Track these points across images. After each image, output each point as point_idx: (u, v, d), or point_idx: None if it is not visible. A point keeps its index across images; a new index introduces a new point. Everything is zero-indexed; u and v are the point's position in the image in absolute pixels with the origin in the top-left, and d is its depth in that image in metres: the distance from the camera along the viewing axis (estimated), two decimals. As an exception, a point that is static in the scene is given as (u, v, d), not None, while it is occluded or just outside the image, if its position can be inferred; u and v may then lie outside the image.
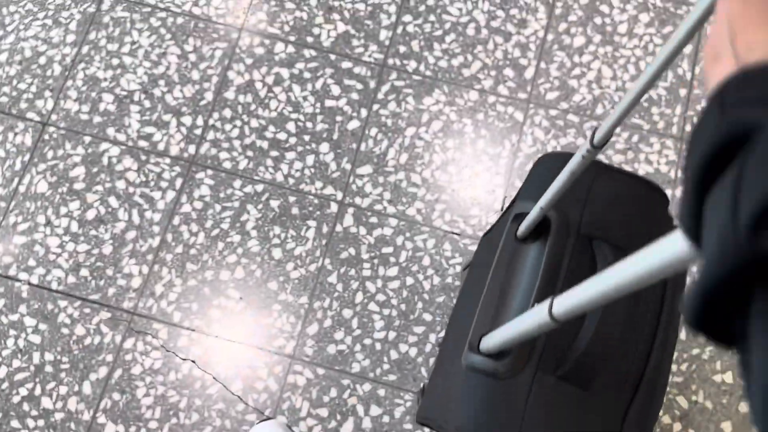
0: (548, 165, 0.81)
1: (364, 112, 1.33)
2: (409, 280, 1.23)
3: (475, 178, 1.29)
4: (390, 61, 1.36)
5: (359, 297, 1.22)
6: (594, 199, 0.76)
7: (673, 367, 1.18)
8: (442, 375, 0.81)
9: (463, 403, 0.70)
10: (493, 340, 0.66)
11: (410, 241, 1.25)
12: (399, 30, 1.38)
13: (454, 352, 0.78)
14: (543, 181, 0.76)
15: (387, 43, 1.37)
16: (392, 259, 1.24)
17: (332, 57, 1.36)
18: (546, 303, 0.48)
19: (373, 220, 1.26)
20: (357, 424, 1.15)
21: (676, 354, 1.19)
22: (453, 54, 1.36)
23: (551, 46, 1.37)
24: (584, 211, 0.76)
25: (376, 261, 1.24)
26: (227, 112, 1.33)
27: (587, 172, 0.76)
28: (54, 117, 1.32)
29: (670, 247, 0.30)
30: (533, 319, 0.51)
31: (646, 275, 0.33)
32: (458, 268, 1.23)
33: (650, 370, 0.71)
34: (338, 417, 1.15)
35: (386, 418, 1.15)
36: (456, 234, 1.25)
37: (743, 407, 1.17)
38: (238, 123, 1.32)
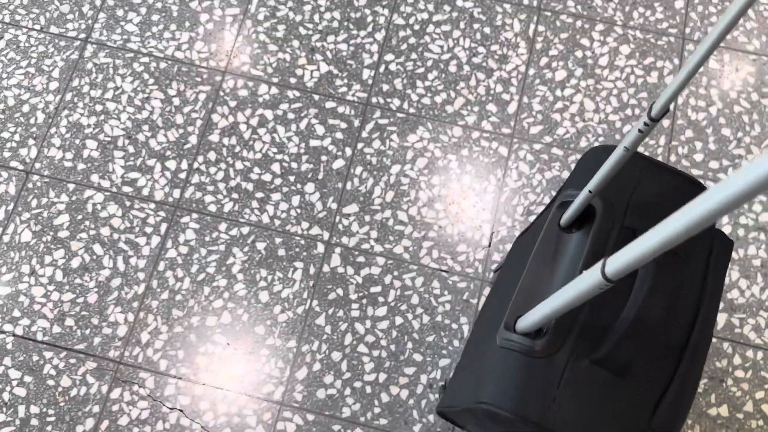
0: (596, 157, 0.81)
1: (348, 151, 1.33)
2: (399, 320, 1.22)
3: (461, 214, 1.29)
4: (373, 100, 1.36)
5: (348, 339, 1.20)
6: (639, 193, 0.76)
7: (667, 401, 1.17)
8: (470, 360, 0.81)
9: (494, 379, 0.69)
10: (531, 317, 0.64)
11: (398, 280, 1.24)
12: (381, 69, 1.39)
13: (484, 340, 0.77)
14: (589, 171, 0.77)
15: (370, 82, 1.38)
16: (381, 299, 1.23)
17: (316, 97, 1.37)
18: (598, 265, 0.48)
19: (361, 259, 1.25)
20: (349, 470, 1.13)
21: (669, 387, 1.17)
22: (436, 91, 1.37)
23: (533, 81, 1.37)
24: (629, 202, 0.76)
25: (364, 301, 1.23)
26: (212, 155, 1.32)
27: (634, 166, 0.77)
28: (38, 165, 1.31)
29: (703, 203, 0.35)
30: (585, 282, 0.50)
31: (688, 228, 0.37)
32: (447, 306, 1.23)
33: (683, 366, 0.70)
34: (329, 463, 1.13)
35: (378, 463, 1.13)
36: (444, 271, 1.25)
37: (740, 440, 1.15)
38: (223, 166, 1.32)
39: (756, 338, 1.21)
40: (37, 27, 1.41)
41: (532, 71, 1.38)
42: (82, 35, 1.40)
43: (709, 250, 0.77)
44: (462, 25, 1.42)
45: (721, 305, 1.23)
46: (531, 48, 1.40)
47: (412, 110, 1.36)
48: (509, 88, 1.37)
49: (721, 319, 1.22)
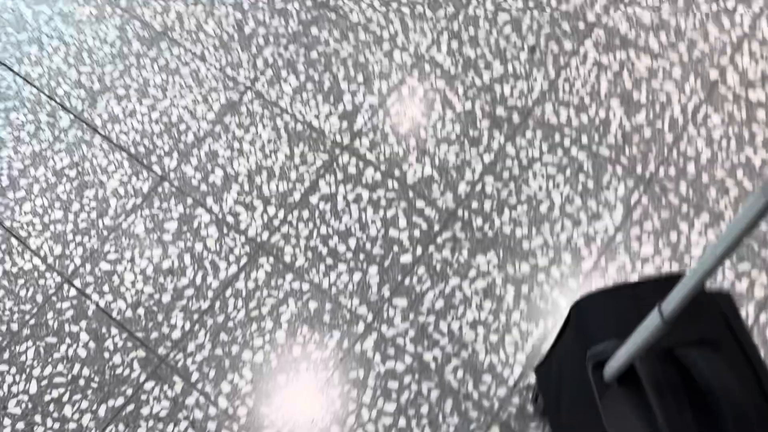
0: (594, 310, 0.85)
1: (419, 250, 1.42)
2: (402, 422, 1.27)
3: (498, 346, 1.32)
4: (459, 212, 1.45)
5: (351, 420, 1.28)
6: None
7: None
8: None
9: None
10: None
11: (416, 384, 1.29)
12: (478, 187, 1.47)
13: None
14: (597, 321, 0.82)
15: (463, 196, 1.47)
16: (393, 395, 1.29)
17: (410, 193, 1.48)
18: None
19: (391, 351, 1.33)
20: None
21: None
22: (519, 223, 1.42)
23: (617, 247, 1.38)
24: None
25: (378, 392, 1.30)
26: (305, 213, 1.49)
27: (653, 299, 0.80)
28: (172, 175, 1.56)
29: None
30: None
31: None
32: (452, 429, 1.25)
33: None
34: None
35: None
36: (462, 394, 1.28)
37: None
38: (311, 225, 1.47)
39: None
40: (217, 66, 1.69)
41: (619, 237, 1.39)
42: (248, 83, 1.66)
43: (724, 317, 0.76)
44: (568, 172, 1.47)
45: None
46: (627, 215, 1.41)
47: (490, 233, 1.42)
48: (591, 246, 1.39)
49: None
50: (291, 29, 1.72)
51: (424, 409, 1.27)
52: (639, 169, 1.45)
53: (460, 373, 1.30)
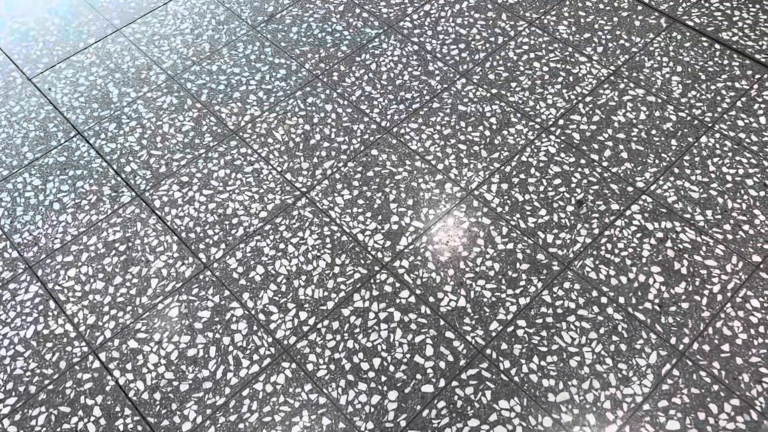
0: None
1: (442, 383, 1.41)
2: None
3: (510, 501, 1.26)
4: (488, 351, 1.45)
5: None
6: None
7: None
8: None
9: None
10: None
11: None
12: (509, 329, 1.48)
13: None
14: None
15: (493, 334, 1.47)
16: None
17: (441, 322, 1.49)
18: None
19: (398, 486, 1.29)
20: None
21: None
22: (547, 374, 1.41)
23: (643, 416, 1.35)
24: None
25: None
26: (335, 324, 1.50)
27: None
28: (215, 265, 1.61)
29: None
30: None
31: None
32: None
33: None
34: None
35: None
36: None
37: None
38: (338, 338, 1.48)
39: None
40: (279, 168, 1.79)
41: (646, 406, 1.36)
42: (304, 189, 1.74)
43: None
44: (602, 330, 1.46)
45: None
46: (657, 384, 1.38)
47: (516, 379, 1.41)
48: (617, 411, 1.36)
49: None
50: (353, 147, 1.82)
51: None
52: (673, 340, 1.44)
53: None
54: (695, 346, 1.44)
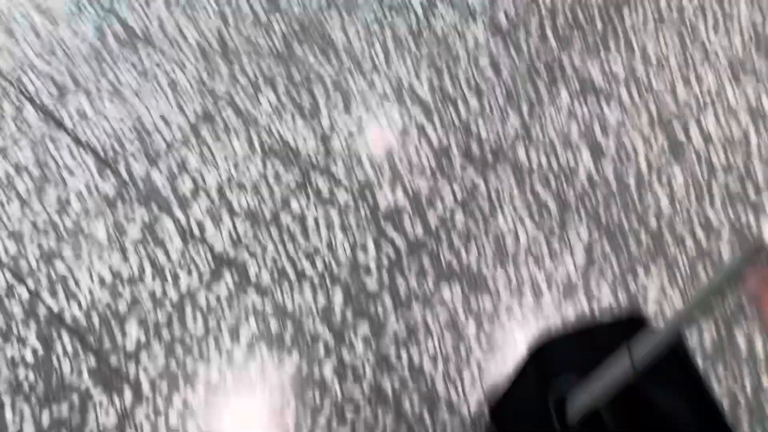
0: (554, 351, 0.86)
1: (386, 277, 1.43)
2: (356, 449, 1.26)
3: (456, 380, 1.33)
4: (428, 244, 1.47)
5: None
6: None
7: None
8: None
9: None
10: None
11: (372, 412, 1.29)
12: (447, 220, 1.50)
13: None
14: (558, 368, 0.82)
15: (433, 227, 1.49)
16: (349, 422, 1.28)
17: (380, 219, 1.50)
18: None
19: (349, 377, 1.32)
20: None
21: None
22: (485, 258, 1.45)
23: (577, 288, 1.42)
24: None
25: (334, 418, 1.29)
26: (274, 231, 1.48)
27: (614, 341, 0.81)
28: (139, 181, 1.53)
29: None
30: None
31: None
32: (405, 458, 1.25)
33: None
34: None
35: None
36: (417, 425, 1.28)
37: None
38: (278, 243, 1.46)
39: None
40: (195, 74, 1.68)
41: (579, 279, 1.43)
42: (227, 95, 1.65)
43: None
44: (534, 212, 1.50)
45: None
46: (589, 259, 1.45)
47: (457, 266, 1.44)
48: (552, 285, 1.42)
49: None
50: (275, 48, 1.73)
51: (379, 438, 1.27)
52: (603, 217, 1.51)
53: (417, 404, 1.30)
54: (624, 221, 1.51)
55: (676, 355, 0.84)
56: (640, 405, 0.79)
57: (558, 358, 0.87)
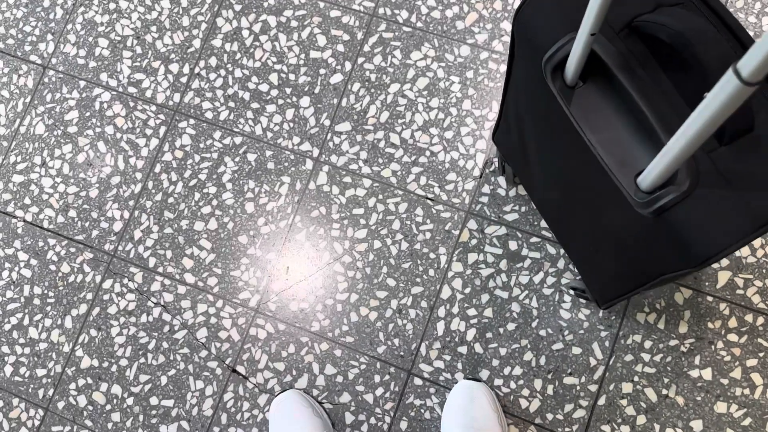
0: (537, 15, 0.73)
1: (348, 66, 1.28)
2: (377, 244, 1.21)
3: (456, 141, 1.22)
4: (380, 11, 1.28)
5: (325, 257, 1.21)
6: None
7: (646, 357, 1.11)
8: (610, 254, 0.83)
9: (688, 238, 0.64)
10: (660, 167, 0.60)
11: (382, 204, 1.22)
12: (392, -24, 1.29)
13: (599, 225, 0.81)
14: (547, 29, 0.70)
15: (378, -9, 1.29)
16: (362, 221, 1.22)
17: (321, 5, 1.30)
18: (728, 75, 0.43)
19: (347, 179, 1.23)
20: (311, 380, 1.17)
21: (650, 343, 1.11)
22: (448, 4, 1.27)
23: (556, -2, 1.24)
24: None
25: (345, 222, 1.22)
26: (213, 61, 1.31)
27: None
28: (54, 60, 1.36)
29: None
30: (719, 98, 0.45)
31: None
32: (428, 235, 1.19)
33: None
34: (294, 372, 1.18)
35: (340, 378, 1.17)
36: (429, 199, 1.21)
37: (719, 407, 1.08)
38: (223, 72, 1.31)
39: (759, 302, 1.10)
40: None
41: None
42: (101, -71, 1.40)
43: None
44: (486, -70, 1.28)
45: (726, 262, 1.13)
46: None
47: (419, 24, 1.27)
48: (528, 6, 1.24)
49: (724, 277, 1.12)
50: None
51: (396, 225, 1.21)
52: None
53: (423, 180, 1.22)
54: None
55: None
56: (646, 40, 0.66)
57: (544, 19, 0.71)
